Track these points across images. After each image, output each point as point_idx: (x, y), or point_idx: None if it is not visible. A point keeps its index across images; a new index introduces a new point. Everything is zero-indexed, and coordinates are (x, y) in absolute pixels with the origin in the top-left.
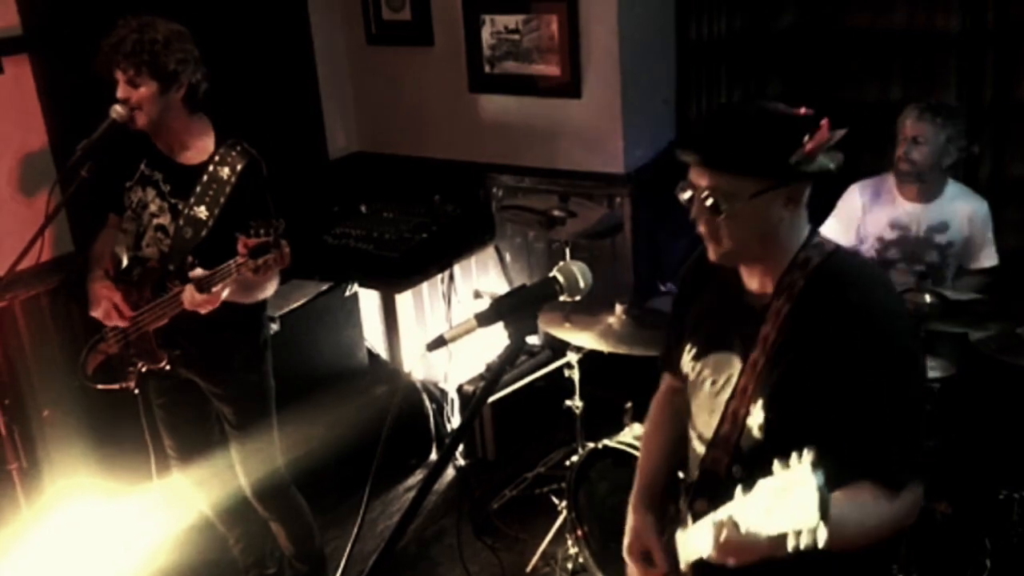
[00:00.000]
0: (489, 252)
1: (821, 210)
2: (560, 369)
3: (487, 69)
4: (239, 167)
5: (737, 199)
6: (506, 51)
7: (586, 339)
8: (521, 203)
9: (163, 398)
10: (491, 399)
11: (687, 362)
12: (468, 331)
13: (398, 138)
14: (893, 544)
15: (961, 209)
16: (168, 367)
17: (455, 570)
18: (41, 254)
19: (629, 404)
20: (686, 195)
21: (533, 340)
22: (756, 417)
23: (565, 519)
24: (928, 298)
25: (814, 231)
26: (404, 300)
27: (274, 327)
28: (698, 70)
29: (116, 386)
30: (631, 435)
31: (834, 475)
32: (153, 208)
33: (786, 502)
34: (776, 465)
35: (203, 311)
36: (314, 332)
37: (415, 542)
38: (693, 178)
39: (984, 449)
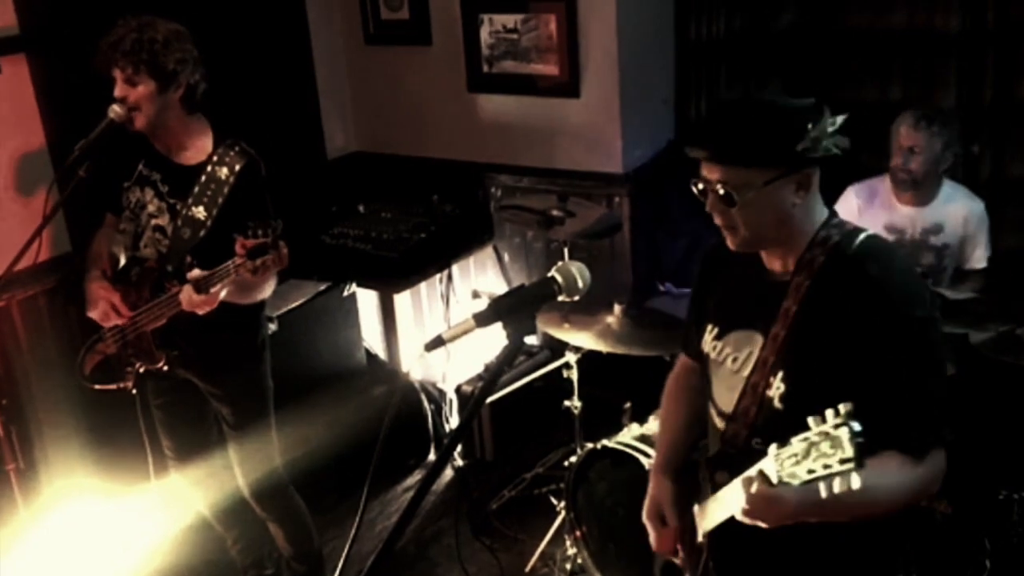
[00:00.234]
0: (487, 252)
1: None
2: (559, 369)
3: (485, 69)
4: (238, 167)
5: (749, 189)
6: (505, 51)
7: (585, 339)
8: (520, 203)
9: (161, 398)
10: (489, 399)
11: (708, 342)
12: (466, 331)
13: (396, 138)
14: (898, 547)
15: (956, 211)
16: (166, 367)
17: (453, 570)
18: (39, 254)
19: (628, 404)
20: (699, 188)
21: (531, 340)
22: (776, 388)
23: (564, 520)
24: None
25: (833, 213)
26: (402, 300)
27: (272, 327)
28: (697, 70)
29: (113, 386)
30: (630, 435)
31: None
32: (151, 208)
33: (819, 449)
34: (810, 420)
35: (201, 312)
36: (312, 332)
37: (413, 542)
38: (705, 172)
39: (984, 450)
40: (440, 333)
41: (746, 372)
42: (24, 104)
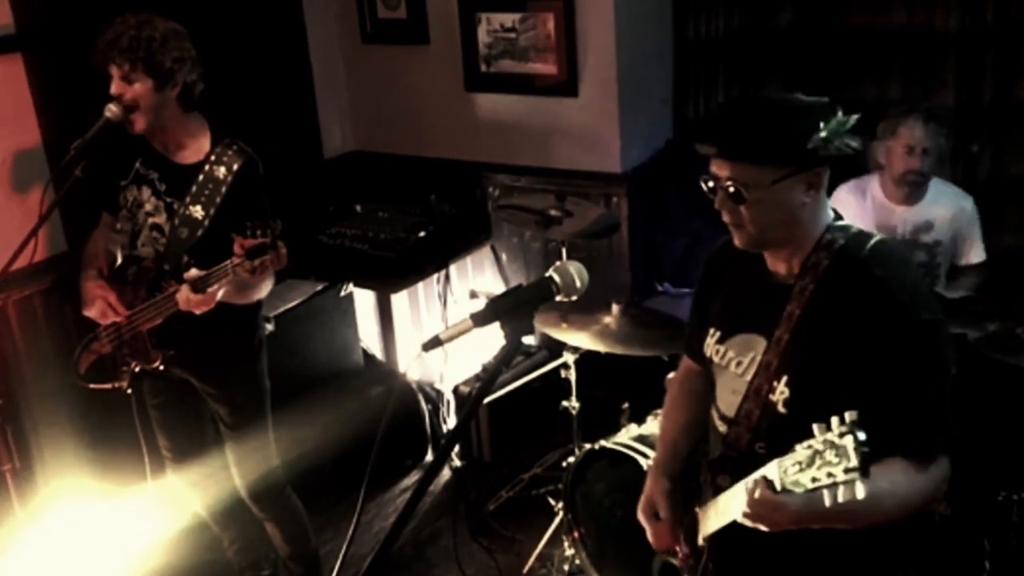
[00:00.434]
0: (485, 252)
1: None
2: (557, 370)
3: (483, 68)
4: (235, 166)
5: (758, 187)
6: (502, 50)
7: (583, 339)
8: (517, 202)
9: (158, 398)
10: (487, 400)
11: (711, 346)
12: (464, 331)
13: (394, 137)
14: (899, 549)
15: (945, 207)
16: (162, 367)
17: (451, 572)
18: (35, 254)
19: (626, 405)
20: (709, 185)
21: (529, 340)
22: (780, 392)
23: (561, 520)
24: None
25: (837, 215)
26: (400, 300)
27: (269, 327)
28: (696, 69)
29: (109, 386)
30: (628, 436)
31: None
32: (148, 207)
33: (823, 458)
34: (815, 428)
35: (198, 312)
36: (309, 332)
37: (411, 543)
38: (714, 169)
39: (983, 450)
40: (438, 333)
41: (749, 376)
42: (20, 103)
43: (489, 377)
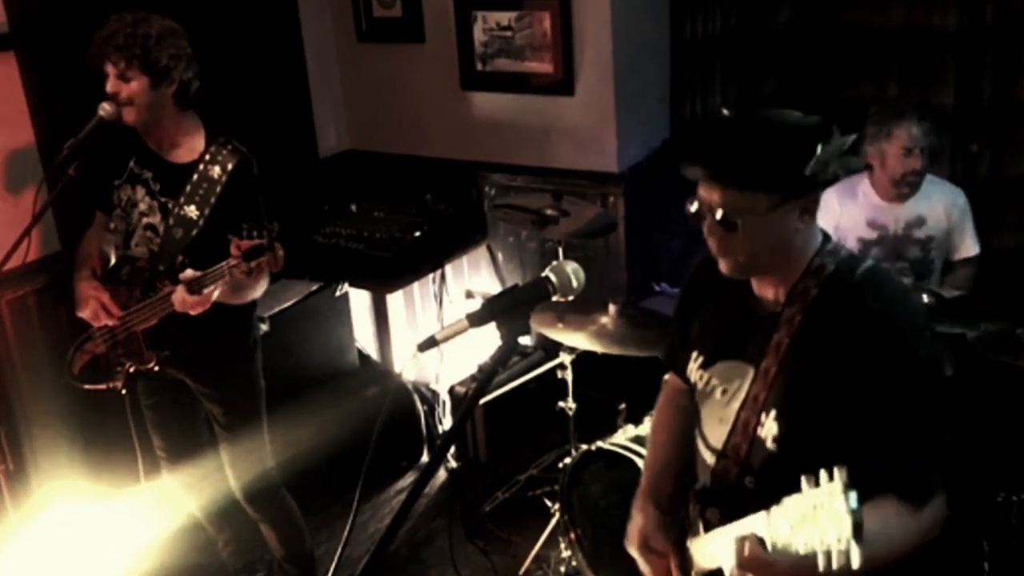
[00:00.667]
0: (481, 252)
1: None
2: (553, 370)
3: (479, 66)
4: (230, 166)
5: (752, 214)
6: (498, 48)
7: (579, 340)
8: (513, 202)
9: (152, 399)
10: (483, 400)
11: (694, 371)
12: (460, 332)
13: (389, 136)
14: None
15: (937, 202)
16: (156, 368)
17: (447, 573)
18: (28, 254)
19: (623, 405)
20: (694, 208)
21: (525, 341)
22: (769, 428)
23: (558, 522)
24: (925, 298)
25: (827, 237)
26: (395, 300)
27: (264, 327)
28: (693, 68)
29: (103, 386)
30: (625, 437)
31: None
32: (143, 207)
33: (816, 521)
34: (804, 483)
35: (194, 312)
36: (304, 333)
37: (406, 545)
38: (703, 193)
39: (982, 451)
40: (433, 333)
41: (736, 405)
42: (13, 102)
43: (485, 378)
